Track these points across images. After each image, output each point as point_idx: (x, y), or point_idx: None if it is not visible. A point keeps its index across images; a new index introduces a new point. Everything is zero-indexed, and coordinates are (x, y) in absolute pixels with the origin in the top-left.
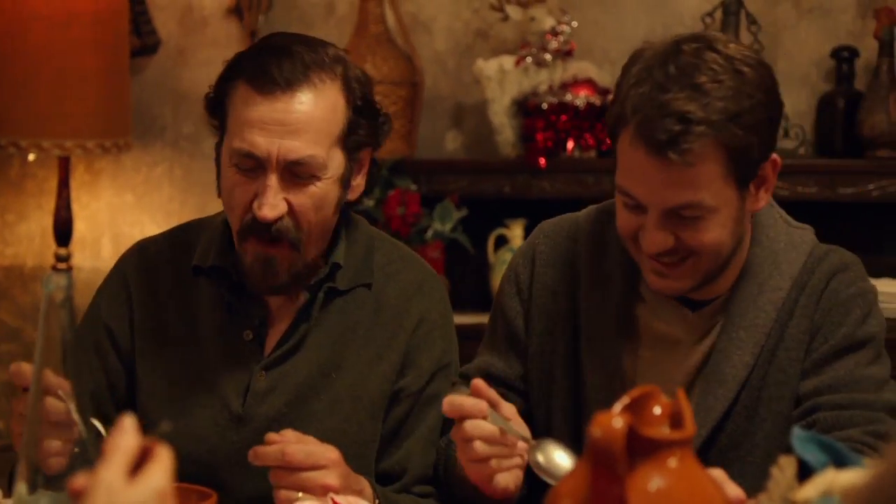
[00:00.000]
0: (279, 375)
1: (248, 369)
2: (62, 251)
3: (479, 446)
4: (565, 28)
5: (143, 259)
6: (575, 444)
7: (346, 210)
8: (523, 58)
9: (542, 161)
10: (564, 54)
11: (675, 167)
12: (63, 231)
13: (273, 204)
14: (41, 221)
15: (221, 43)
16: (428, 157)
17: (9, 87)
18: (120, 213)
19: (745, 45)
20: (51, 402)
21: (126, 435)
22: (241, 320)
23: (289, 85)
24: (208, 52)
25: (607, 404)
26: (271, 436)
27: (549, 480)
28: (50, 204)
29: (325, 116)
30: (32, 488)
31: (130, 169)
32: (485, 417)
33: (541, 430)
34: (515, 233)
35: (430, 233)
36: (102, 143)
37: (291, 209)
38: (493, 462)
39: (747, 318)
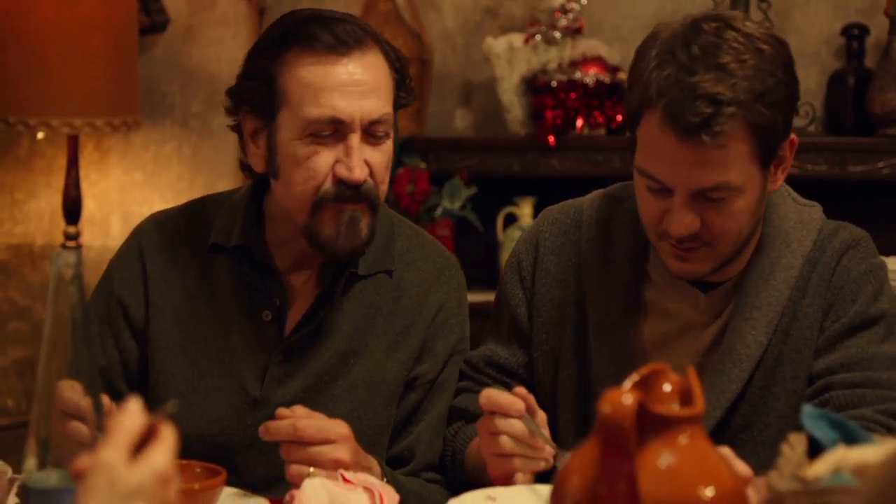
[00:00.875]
0: (298, 360)
1: (266, 351)
2: (71, 229)
3: (505, 441)
4: (574, 5)
5: (159, 232)
6: (582, 431)
7: None
8: (532, 35)
9: (552, 139)
10: (574, 32)
11: (706, 149)
12: (72, 209)
13: (362, 165)
14: (50, 200)
15: (230, 21)
16: (437, 135)
17: (18, 65)
18: (129, 191)
19: (760, 22)
20: (75, 426)
21: (129, 415)
22: (260, 300)
23: (358, 44)
24: (217, 31)
25: (612, 383)
26: (282, 411)
27: None
28: (59, 182)
29: (388, 75)
30: (42, 465)
31: (139, 147)
32: (521, 417)
33: (547, 419)
34: (524, 211)
35: (439, 211)
36: (111, 121)
37: (371, 170)
38: (518, 461)
39: (760, 297)
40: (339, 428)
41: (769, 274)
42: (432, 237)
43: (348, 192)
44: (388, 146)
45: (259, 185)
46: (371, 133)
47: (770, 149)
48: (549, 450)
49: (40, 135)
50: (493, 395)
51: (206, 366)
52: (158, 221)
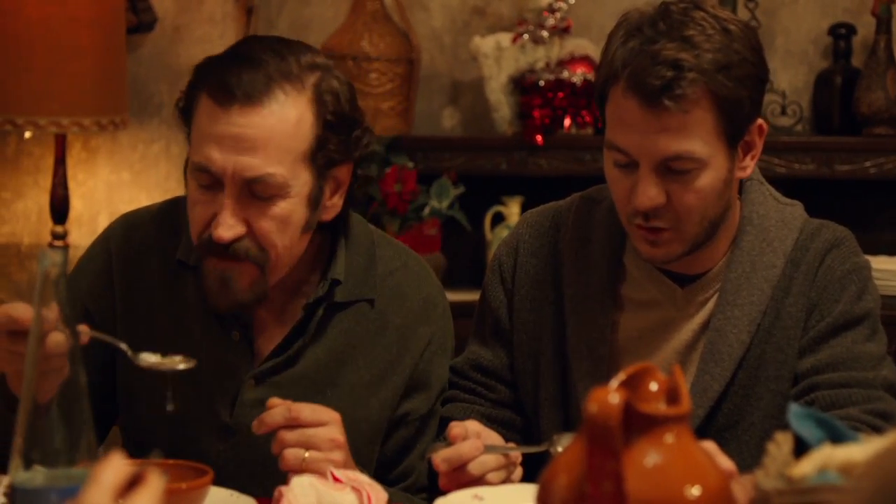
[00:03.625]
0: (270, 388)
1: (237, 376)
2: (59, 229)
3: (493, 478)
4: (562, 5)
5: (129, 240)
6: (565, 430)
7: (344, 219)
8: (520, 35)
9: (539, 138)
10: (561, 31)
11: (668, 115)
12: (59, 209)
13: (229, 224)
14: (37, 199)
15: (218, 20)
16: (425, 134)
17: (4, 64)
18: (116, 190)
19: (730, 12)
20: (55, 336)
21: (114, 461)
22: (227, 320)
23: (248, 98)
24: (205, 30)
25: (591, 381)
26: (273, 400)
27: None
28: (46, 181)
29: (288, 132)
30: (27, 465)
31: (127, 146)
32: (482, 452)
33: (530, 418)
34: (512, 210)
35: (426, 210)
36: (99, 120)
37: (251, 230)
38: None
39: (742, 295)
40: (331, 412)
41: (750, 272)
42: (415, 255)
43: (216, 248)
44: (278, 209)
45: None
46: (253, 193)
47: (736, 125)
48: (515, 456)
49: (27, 134)
50: (450, 457)
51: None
52: (130, 226)
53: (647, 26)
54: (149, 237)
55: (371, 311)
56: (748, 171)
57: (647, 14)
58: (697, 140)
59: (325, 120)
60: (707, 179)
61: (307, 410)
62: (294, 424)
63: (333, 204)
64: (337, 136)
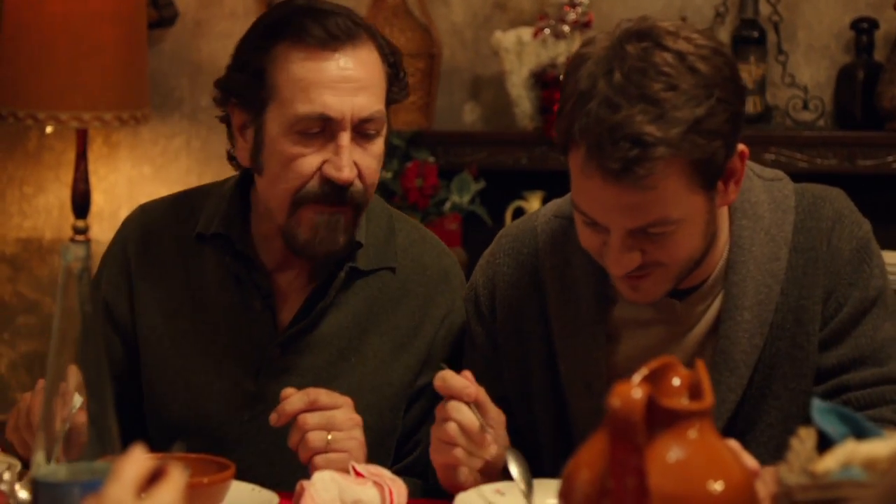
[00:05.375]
0: (295, 355)
1: (260, 345)
2: (80, 223)
3: (452, 428)
4: None
5: (144, 224)
6: (565, 458)
7: None
8: (541, 29)
9: None
10: (583, 25)
11: (635, 191)
12: (81, 203)
13: (351, 165)
14: (59, 194)
15: (239, 15)
16: (446, 128)
17: (27, 59)
18: (138, 185)
19: (694, 30)
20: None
21: (136, 456)
22: (248, 291)
23: (350, 38)
24: (226, 24)
25: (591, 416)
26: (287, 391)
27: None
28: (68, 176)
29: (378, 70)
30: (50, 458)
31: (148, 141)
32: (469, 402)
33: (528, 449)
34: (533, 205)
35: (447, 205)
36: (120, 115)
37: (360, 172)
38: (459, 452)
39: (748, 296)
40: (343, 396)
41: (753, 270)
42: (431, 232)
43: (333, 193)
44: (378, 147)
45: (246, 177)
46: (362, 132)
47: (712, 174)
48: (493, 448)
49: (49, 129)
50: (447, 378)
51: (198, 360)
52: (145, 212)
53: (602, 77)
54: (165, 219)
55: (393, 280)
56: (732, 197)
57: (601, 57)
58: (671, 207)
59: (389, 63)
60: (686, 232)
61: (324, 394)
62: (314, 408)
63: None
64: (395, 76)
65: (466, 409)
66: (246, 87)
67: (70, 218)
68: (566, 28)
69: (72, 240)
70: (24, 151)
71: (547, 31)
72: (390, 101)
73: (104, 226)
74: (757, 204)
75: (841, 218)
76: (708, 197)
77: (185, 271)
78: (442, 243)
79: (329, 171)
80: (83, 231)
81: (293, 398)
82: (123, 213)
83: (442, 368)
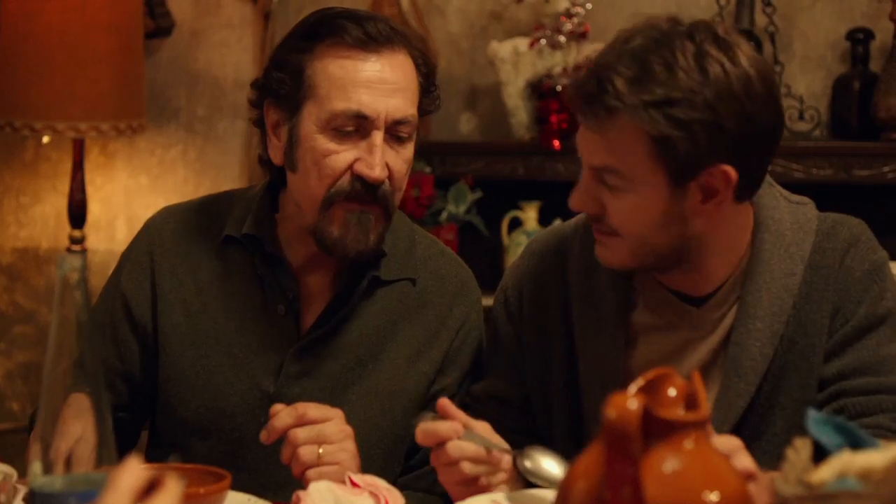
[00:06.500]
0: (314, 359)
1: (281, 348)
2: (76, 233)
3: (467, 467)
4: (580, 10)
5: (170, 224)
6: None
7: None
8: (537, 40)
9: (557, 143)
10: (579, 36)
11: (595, 129)
12: (77, 213)
13: (383, 165)
14: (55, 204)
15: (235, 25)
16: (442, 139)
17: (24, 69)
18: (134, 195)
19: (751, 54)
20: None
21: (132, 466)
22: (273, 294)
23: (388, 42)
24: (222, 34)
25: None
26: (276, 407)
27: (542, 483)
28: (64, 186)
29: (414, 78)
30: (47, 469)
31: (144, 151)
32: (460, 437)
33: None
34: (529, 215)
35: (444, 215)
36: (117, 125)
37: (390, 174)
38: (483, 480)
39: (762, 307)
40: (333, 408)
41: (770, 283)
42: (448, 247)
43: (364, 190)
44: (409, 151)
45: (275, 182)
46: (394, 134)
47: (677, 163)
48: (506, 458)
49: (46, 139)
50: (428, 429)
51: (218, 360)
52: (170, 213)
53: (625, 41)
54: (191, 221)
55: (412, 290)
56: (710, 217)
57: (651, 26)
58: (621, 160)
59: (422, 73)
60: (636, 201)
61: (312, 408)
62: (303, 423)
63: None
64: (428, 88)
65: (465, 443)
66: (284, 85)
67: (66, 228)
68: (562, 38)
69: (68, 250)
70: (20, 161)
71: (543, 41)
72: (421, 111)
73: (100, 236)
74: (780, 222)
75: (857, 241)
76: (672, 188)
77: (211, 273)
78: (459, 259)
79: (361, 168)
80: (79, 241)
81: (282, 414)
82: (120, 223)
83: (415, 424)
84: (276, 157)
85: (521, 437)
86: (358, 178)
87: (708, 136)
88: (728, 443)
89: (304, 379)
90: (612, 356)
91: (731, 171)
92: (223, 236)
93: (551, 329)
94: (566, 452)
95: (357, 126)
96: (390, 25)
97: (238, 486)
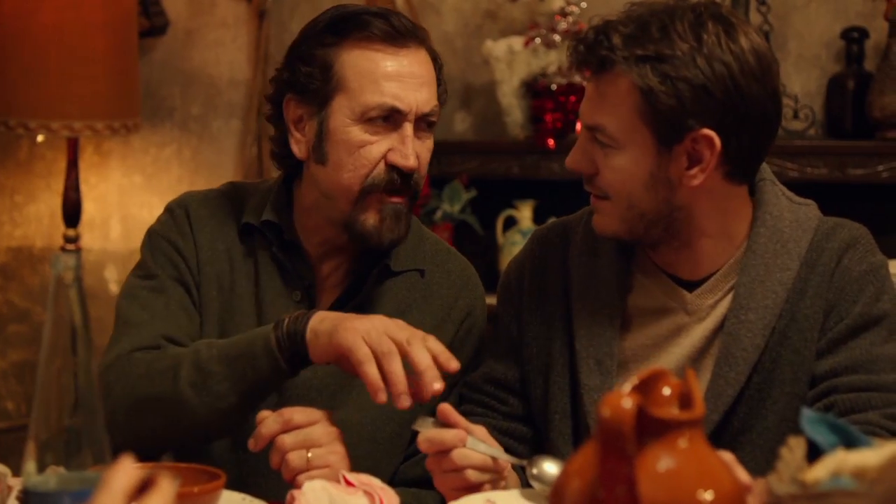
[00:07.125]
0: None
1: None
2: (71, 232)
3: (472, 475)
4: (574, 9)
5: (202, 205)
6: (575, 442)
7: None
8: (532, 39)
9: (551, 142)
10: (574, 35)
11: (596, 82)
12: (72, 212)
13: (414, 154)
14: (50, 202)
15: (230, 24)
16: (437, 137)
17: (18, 68)
18: (129, 194)
19: (752, 36)
20: None
21: (126, 465)
22: (291, 280)
23: (413, 36)
24: (217, 34)
25: (600, 394)
26: (262, 413)
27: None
28: (59, 185)
29: (433, 70)
30: (41, 467)
31: (139, 150)
32: (464, 445)
33: (541, 432)
34: (524, 214)
35: (439, 214)
36: (111, 124)
37: (418, 161)
38: (487, 488)
39: (756, 299)
40: (319, 411)
41: (764, 275)
42: (452, 247)
43: (399, 180)
44: (431, 142)
45: (289, 175)
46: (421, 125)
47: (665, 124)
48: (508, 464)
49: (40, 137)
50: (433, 437)
51: None
52: (199, 195)
53: (643, 7)
54: (221, 204)
55: (420, 281)
56: (694, 182)
57: (659, 1)
58: (612, 118)
59: (436, 66)
60: (624, 161)
61: (298, 413)
62: (290, 428)
63: None
64: (439, 81)
65: (470, 451)
66: (311, 80)
67: (61, 227)
68: (557, 37)
69: (62, 249)
70: (15, 160)
71: (538, 40)
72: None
73: (95, 235)
74: (779, 218)
75: (856, 243)
76: (658, 150)
77: (240, 253)
78: (463, 256)
79: (395, 158)
80: (74, 240)
81: (268, 420)
82: (114, 222)
83: (416, 430)
84: (301, 151)
85: (517, 421)
86: (393, 168)
87: (693, 96)
88: (723, 456)
89: (314, 366)
90: (608, 337)
91: (715, 138)
92: (242, 224)
93: (552, 311)
94: (563, 434)
95: (387, 118)
96: (410, 21)
97: (248, 461)
